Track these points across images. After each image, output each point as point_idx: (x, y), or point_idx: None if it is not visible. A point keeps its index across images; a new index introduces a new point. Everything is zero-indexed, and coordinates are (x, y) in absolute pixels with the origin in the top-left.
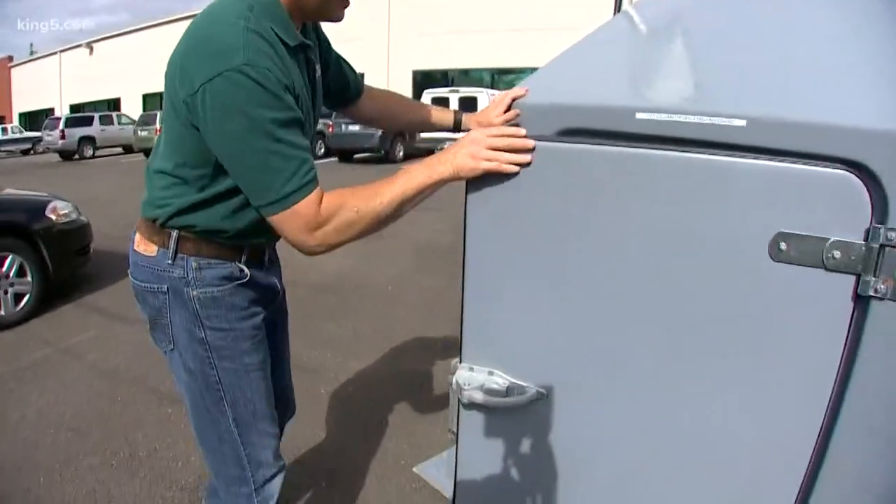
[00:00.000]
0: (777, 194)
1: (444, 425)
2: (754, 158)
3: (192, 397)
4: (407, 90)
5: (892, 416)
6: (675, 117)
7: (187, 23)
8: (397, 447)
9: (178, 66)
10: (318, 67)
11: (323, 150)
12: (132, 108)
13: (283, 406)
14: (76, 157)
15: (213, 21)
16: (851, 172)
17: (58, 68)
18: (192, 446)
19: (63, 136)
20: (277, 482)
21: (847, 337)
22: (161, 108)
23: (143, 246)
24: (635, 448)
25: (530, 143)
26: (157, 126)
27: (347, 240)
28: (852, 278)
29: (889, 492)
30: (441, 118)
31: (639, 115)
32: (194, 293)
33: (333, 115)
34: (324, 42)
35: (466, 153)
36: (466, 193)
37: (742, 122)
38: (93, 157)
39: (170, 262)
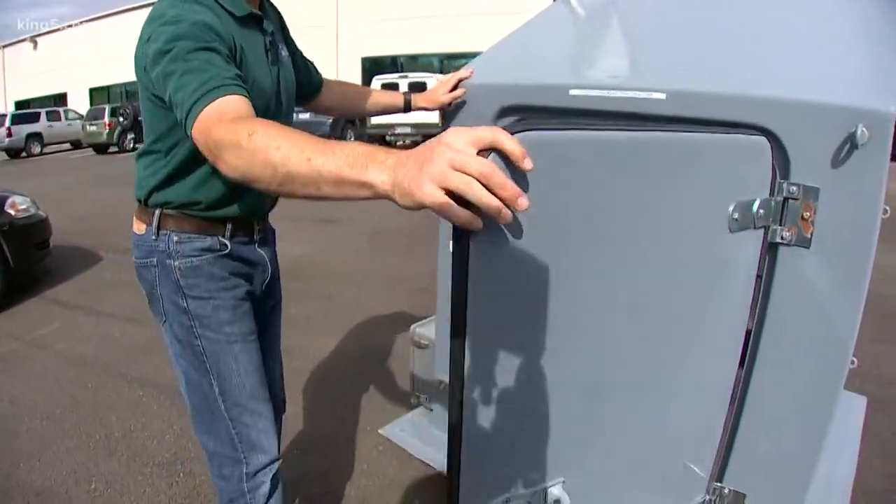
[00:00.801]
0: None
1: (407, 391)
2: (676, 130)
3: (185, 371)
4: (356, 77)
5: (800, 346)
6: (604, 93)
7: (133, 14)
8: (365, 414)
9: (139, 51)
10: (282, 47)
11: None
12: (79, 103)
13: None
14: (24, 154)
15: (162, 2)
16: (760, 136)
17: (0, 64)
18: (166, 424)
19: (10, 134)
20: (269, 474)
21: (761, 282)
22: (108, 101)
23: (136, 225)
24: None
25: (525, 203)
26: (107, 120)
27: (239, 170)
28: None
29: (802, 417)
30: (392, 101)
31: (572, 92)
32: (176, 263)
33: None
34: (285, 29)
35: (413, 166)
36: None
37: (662, 95)
38: (41, 153)
39: (154, 237)
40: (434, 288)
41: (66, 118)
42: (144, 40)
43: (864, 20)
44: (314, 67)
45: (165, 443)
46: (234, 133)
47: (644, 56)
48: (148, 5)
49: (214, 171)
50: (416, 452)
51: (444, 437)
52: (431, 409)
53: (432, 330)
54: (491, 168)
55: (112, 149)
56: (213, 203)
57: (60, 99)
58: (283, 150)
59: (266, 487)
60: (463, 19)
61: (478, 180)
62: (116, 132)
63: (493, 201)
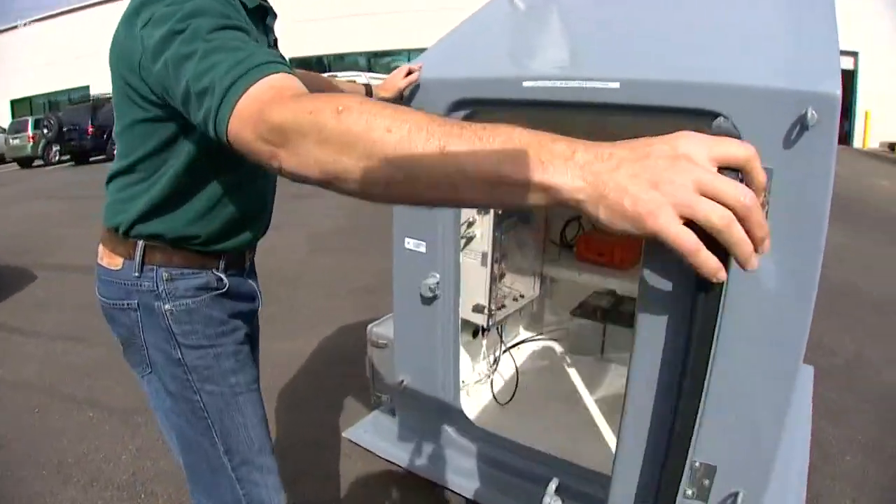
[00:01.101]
0: None
1: (367, 391)
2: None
3: (179, 427)
4: None
5: (760, 322)
6: (558, 83)
7: (54, 21)
8: (327, 418)
9: (121, 46)
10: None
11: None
12: (0, 116)
13: None
14: None
15: None
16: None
17: None
18: (121, 446)
19: None
20: None
21: None
22: (31, 113)
23: (108, 259)
24: None
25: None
26: (30, 133)
27: (318, 166)
28: None
29: (766, 390)
30: (354, 91)
31: (525, 84)
32: (166, 307)
33: None
34: None
35: (659, 193)
36: None
37: (616, 85)
38: None
39: (137, 274)
40: (382, 287)
41: None
42: (137, 26)
43: (802, 8)
44: None
45: (122, 464)
46: (312, 110)
47: (594, 46)
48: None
49: (220, 200)
50: (382, 453)
51: (408, 434)
52: (393, 410)
53: (389, 329)
54: (753, 200)
55: (37, 162)
56: (213, 237)
57: None
58: (399, 134)
59: None
60: (390, 17)
61: (735, 214)
62: (41, 145)
63: (748, 246)
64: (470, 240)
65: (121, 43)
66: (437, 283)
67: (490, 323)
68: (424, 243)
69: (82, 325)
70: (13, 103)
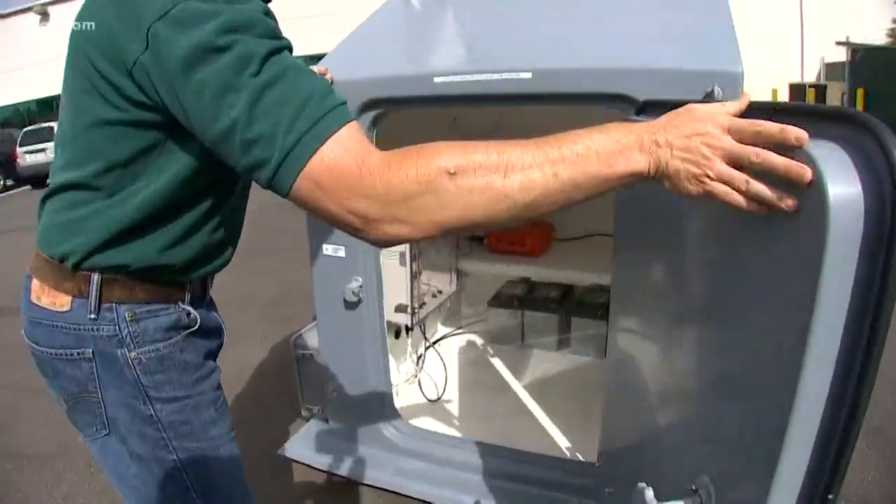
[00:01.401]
0: None
1: (296, 403)
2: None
3: (147, 493)
4: None
5: None
6: (470, 77)
7: None
8: (259, 437)
9: (105, 34)
10: None
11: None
12: None
13: None
14: None
15: None
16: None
17: None
18: (46, 493)
19: None
20: None
21: None
22: None
23: (48, 297)
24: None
25: (807, 173)
26: None
27: (440, 225)
28: None
29: None
30: None
31: (437, 80)
32: (132, 355)
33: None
34: None
35: (687, 159)
36: None
37: (528, 75)
38: None
39: (93, 316)
40: (289, 300)
41: None
42: (149, 16)
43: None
44: None
45: None
46: (421, 180)
47: (502, 39)
48: None
49: (200, 223)
50: (319, 465)
51: (345, 443)
52: (326, 420)
53: (313, 338)
54: (758, 155)
55: None
56: (185, 265)
57: None
58: (516, 178)
59: None
60: (315, 20)
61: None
62: None
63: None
64: None
65: (108, 27)
66: (360, 286)
67: (414, 321)
68: (343, 248)
69: None
70: None
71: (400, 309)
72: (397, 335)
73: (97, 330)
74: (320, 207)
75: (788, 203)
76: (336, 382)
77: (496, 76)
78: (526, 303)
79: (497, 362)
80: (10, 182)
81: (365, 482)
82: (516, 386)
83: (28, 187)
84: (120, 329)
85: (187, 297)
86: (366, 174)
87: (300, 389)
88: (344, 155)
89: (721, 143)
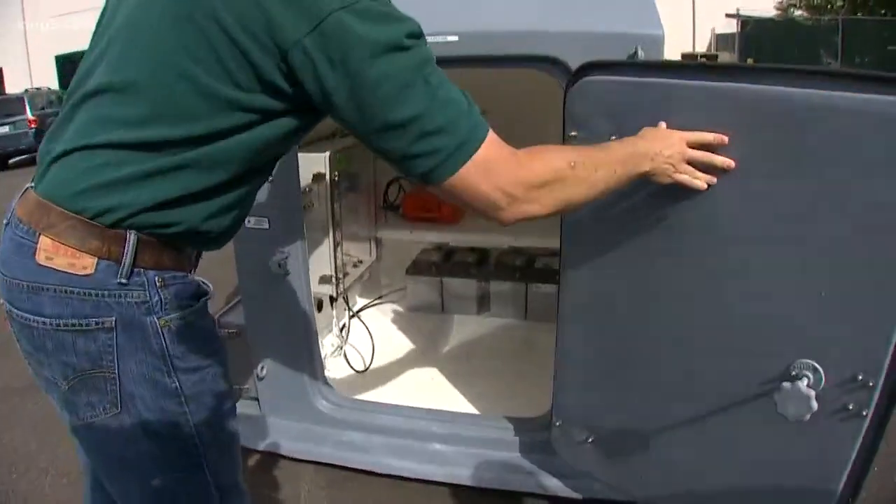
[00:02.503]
0: None
1: None
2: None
3: (154, 472)
4: (52, 80)
5: None
6: None
7: None
8: None
9: (255, 6)
10: None
11: None
12: None
13: None
14: None
15: None
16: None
17: None
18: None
19: None
20: None
21: None
22: None
23: (67, 258)
24: None
25: (731, 163)
26: None
27: (557, 205)
28: None
29: None
30: None
31: None
32: (162, 322)
33: None
34: None
35: (667, 162)
36: None
37: (455, 38)
38: None
39: (122, 280)
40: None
41: None
42: (331, 4)
43: None
44: None
45: None
46: (557, 169)
47: (428, 2)
48: None
49: (245, 196)
50: (253, 444)
51: (278, 420)
52: (256, 398)
53: (239, 316)
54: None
55: None
56: (218, 235)
57: None
58: (601, 173)
59: None
60: None
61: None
62: None
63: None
64: (307, 210)
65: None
66: (286, 258)
67: (338, 291)
68: (267, 219)
69: None
70: None
71: (324, 280)
72: (320, 307)
73: (124, 296)
74: (476, 189)
75: (713, 181)
76: (265, 360)
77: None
78: (444, 269)
79: (420, 329)
80: None
81: (299, 457)
82: (441, 351)
83: None
84: (150, 295)
85: (193, 260)
86: (517, 164)
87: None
88: (502, 148)
89: (684, 153)
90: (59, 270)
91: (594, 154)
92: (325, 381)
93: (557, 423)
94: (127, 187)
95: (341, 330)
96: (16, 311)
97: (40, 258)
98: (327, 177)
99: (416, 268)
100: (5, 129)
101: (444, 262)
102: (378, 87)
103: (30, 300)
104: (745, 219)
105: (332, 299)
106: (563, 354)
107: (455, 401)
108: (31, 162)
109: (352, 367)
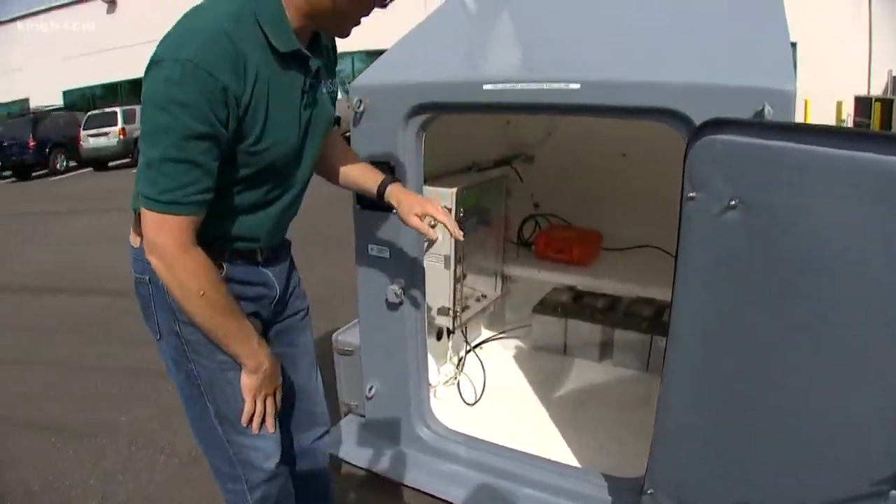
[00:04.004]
0: None
1: (335, 399)
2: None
3: (180, 387)
4: None
5: None
6: (519, 85)
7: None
8: None
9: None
10: (326, 83)
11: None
12: None
13: (304, 418)
14: None
15: (203, 10)
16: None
17: None
18: (87, 469)
19: None
20: (274, 487)
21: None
22: None
23: (132, 237)
24: None
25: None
26: None
27: (169, 287)
28: None
29: None
30: (369, 183)
31: (486, 87)
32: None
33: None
34: (334, 59)
35: (262, 381)
36: None
37: (577, 86)
38: None
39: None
40: (336, 297)
41: None
42: (153, 59)
43: (753, 10)
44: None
45: (91, 490)
46: (179, 282)
47: (552, 48)
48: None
49: (245, 213)
50: (354, 460)
51: (380, 441)
52: (363, 416)
53: (354, 336)
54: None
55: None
56: (220, 237)
57: None
58: (214, 322)
59: (272, 499)
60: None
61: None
62: None
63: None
64: (432, 243)
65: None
66: (403, 287)
67: (455, 324)
68: (388, 249)
69: (33, 347)
70: None
71: (442, 312)
72: (439, 337)
73: (149, 263)
74: (145, 224)
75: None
76: (374, 381)
77: (545, 86)
78: (571, 311)
79: (538, 369)
80: (72, 164)
81: (397, 480)
82: (555, 394)
83: (90, 169)
84: None
85: (226, 255)
86: (161, 245)
87: (339, 385)
88: (167, 227)
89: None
90: (131, 244)
91: (226, 306)
92: (430, 410)
93: (649, 491)
94: None
95: (459, 362)
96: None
97: (130, 236)
98: (452, 212)
99: (543, 307)
100: (103, 140)
101: (572, 304)
102: (142, 120)
103: (131, 260)
104: (875, 298)
105: (449, 332)
106: (664, 418)
107: (557, 447)
108: (125, 165)
109: (463, 398)
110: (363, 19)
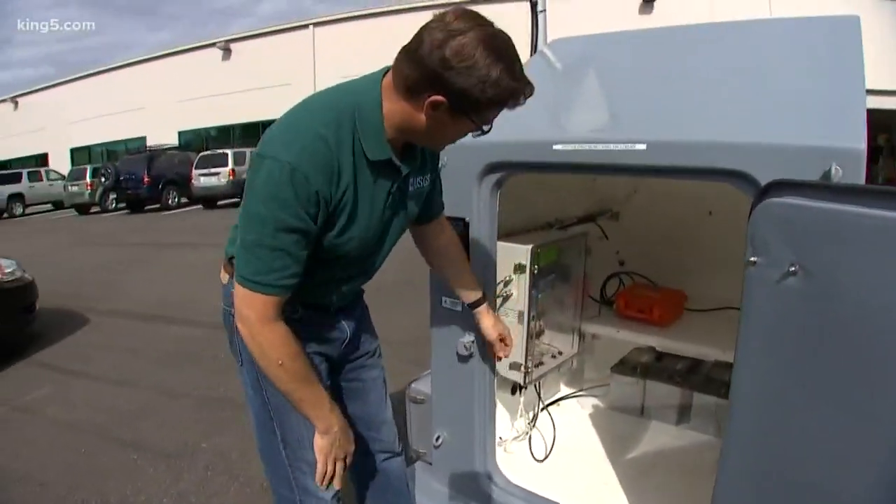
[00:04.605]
0: None
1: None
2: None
3: (255, 411)
4: None
5: None
6: (588, 146)
7: (113, 74)
8: None
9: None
10: (415, 182)
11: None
12: (60, 164)
13: (372, 444)
14: (5, 215)
15: (309, 111)
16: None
17: None
18: (162, 489)
19: None
20: None
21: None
22: (90, 161)
23: (222, 274)
24: None
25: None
26: (88, 181)
27: (252, 353)
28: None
29: None
30: (468, 289)
31: (556, 147)
32: None
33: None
34: (430, 161)
35: (332, 442)
36: None
37: (643, 146)
38: (23, 214)
39: (233, 289)
40: (424, 341)
41: (48, 178)
42: (259, 153)
43: (828, 64)
44: (439, 202)
45: None
46: (262, 351)
47: (621, 108)
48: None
49: (320, 284)
50: None
51: (446, 490)
52: (431, 463)
53: (428, 385)
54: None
55: (94, 209)
56: (299, 296)
57: (41, 159)
58: (290, 387)
59: None
60: None
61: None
62: (98, 192)
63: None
64: (507, 298)
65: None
66: (473, 341)
67: (527, 381)
68: (460, 303)
69: (132, 370)
70: (73, 151)
71: (514, 367)
72: (513, 392)
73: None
74: (237, 296)
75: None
76: (443, 430)
77: (612, 146)
78: (650, 372)
79: (612, 429)
80: (184, 200)
81: None
82: (626, 456)
83: (200, 206)
84: None
85: (301, 305)
86: (251, 318)
87: (409, 432)
88: (255, 303)
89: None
90: (221, 280)
91: (301, 374)
92: (495, 464)
93: None
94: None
95: (533, 418)
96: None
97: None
98: (527, 269)
99: (622, 366)
100: (213, 180)
101: (652, 365)
102: (243, 204)
103: (223, 296)
104: None
105: (520, 387)
106: (721, 487)
107: None
108: (233, 205)
109: (532, 454)
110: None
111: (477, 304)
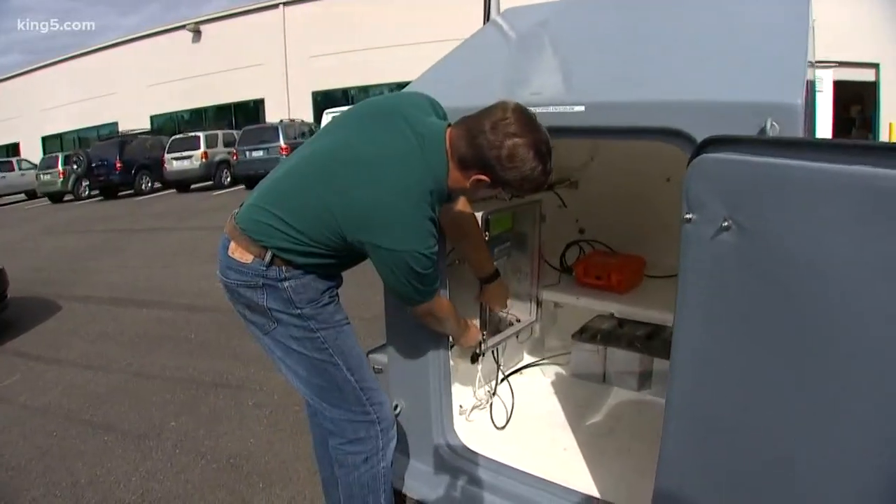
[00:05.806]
0: None
1: None
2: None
3: (307, 362)
4: (308, 112)
5: None
6: (530, 109)
7: (82, 60)
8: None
9: (360, 207)
10: None
11: (229, 178)
12: (31, 153)
13: None
14: None
15: (410, 203)
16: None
17: None
18: (131, 468)
19: None
20: (394, 425)
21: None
22: (62, 149)
23: (241, 254)
24: None
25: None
26: (61, 168)
27: (437, 324)
28: None
29: None
30: (484, 263)
31: None
32: (285, 285)
33: (237, 143)
34: None
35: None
36: None
37: (581, 108)
38: None
39: (264, 268)
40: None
41: (19, 168)
42: (387, 247)
43: (762, 23)
44: None
45: (132, 486)
46: (435, 318)
47: (566, 72)
48: (96, 51)
49: (327, 263)
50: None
51: (404, 459)
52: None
53: (385, 355)
54: None
55: (67, 197)
56: (334, 276)
57: (12, 149)
58: (450, 328)
59: (394, 441)
60: (409, 48)
61: None
62: (71, 180)
63: None
64: (454, 266)
65: (354, 201)
66: None
67: (483, 348)
68: None
69: (103, 354)
70: (44, 140)
71: None
72: (473, 360)
73: (267, 273)
74: (423, 307)
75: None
76: (400, 399)
77: (552, 108)
78: (611, 339)
79: (575, 397)
80: (157, 185)
81: (415, 497)
82: (587, 422)
83: (173, 191)
84: (280, 274)
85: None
86: (437, 309)
87: None
88: (426, 304)
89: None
90: (234, 258)
91: (453, 323)
92: (452, 430)
93: None
94: (273, 240)
95: (496, 386)
96: (220, 277)
97: (228, 251)
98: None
99: (583, 334)
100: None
101: (613, 332)
102: (366, 238)
103: (224, 271)
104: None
105: (477, 355)
106: (665, 448)
107: (580, 477)
108: (206, 188)
109: (493, 422)
110: None
111: (489, 279)
